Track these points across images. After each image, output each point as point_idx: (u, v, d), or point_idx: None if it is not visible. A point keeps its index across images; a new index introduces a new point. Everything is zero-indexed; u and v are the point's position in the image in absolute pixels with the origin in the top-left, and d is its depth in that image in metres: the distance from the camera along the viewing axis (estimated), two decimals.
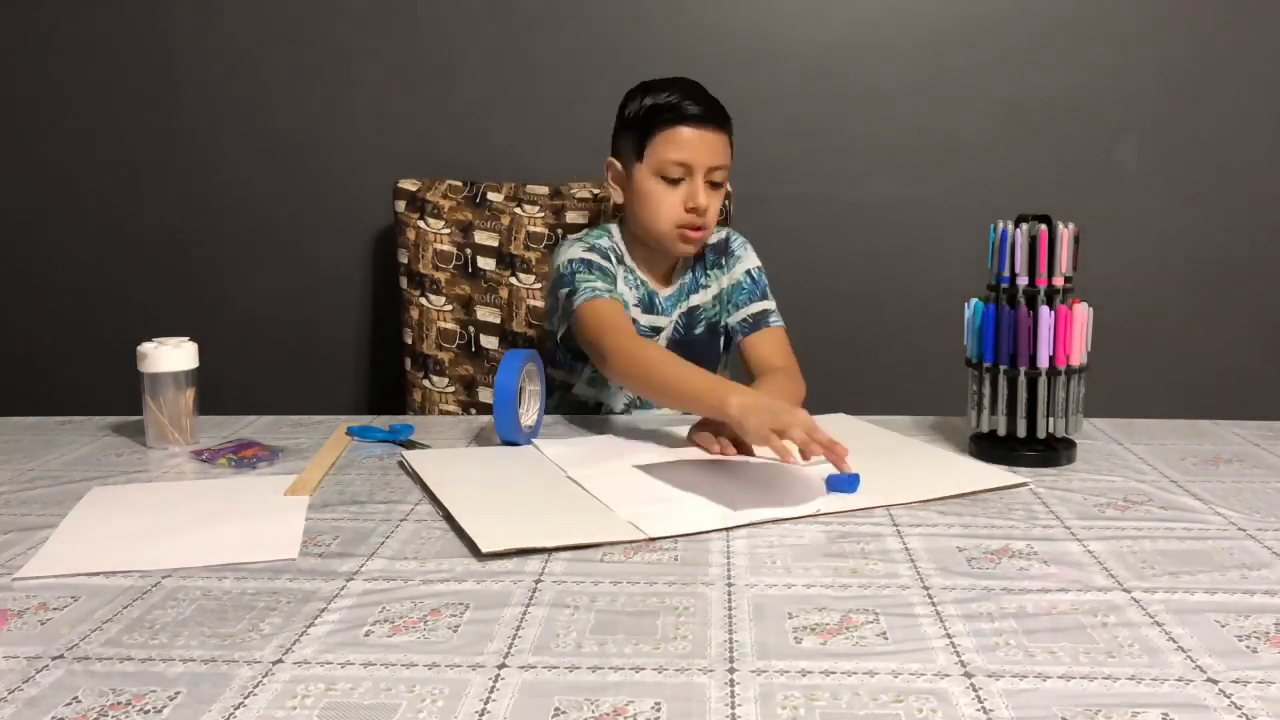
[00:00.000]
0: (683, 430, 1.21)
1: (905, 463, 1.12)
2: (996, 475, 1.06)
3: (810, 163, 1.81)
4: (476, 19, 1.79)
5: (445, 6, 1.79)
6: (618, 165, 1.39)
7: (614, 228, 1.45)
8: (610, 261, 1.38)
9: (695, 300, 1.46)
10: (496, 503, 0.98)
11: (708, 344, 1.48)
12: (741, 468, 1.10)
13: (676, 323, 1.46)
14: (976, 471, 1.08)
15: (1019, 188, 1.79)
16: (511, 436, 1.17)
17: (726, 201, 1.66)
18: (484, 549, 0.84)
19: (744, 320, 1.45)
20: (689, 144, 1.32)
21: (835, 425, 1.22)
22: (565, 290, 1.33)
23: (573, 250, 1.37)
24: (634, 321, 1.39)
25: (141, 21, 1.81)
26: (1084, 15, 1.76)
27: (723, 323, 1.48)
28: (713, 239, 1.48)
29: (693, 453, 1.15)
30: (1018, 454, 1.12)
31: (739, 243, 1.49)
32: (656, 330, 1.44)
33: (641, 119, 1.34)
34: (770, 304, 1.46)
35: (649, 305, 1.43)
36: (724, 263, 1.48)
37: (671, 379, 1.20)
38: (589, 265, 1.34)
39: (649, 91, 1.36)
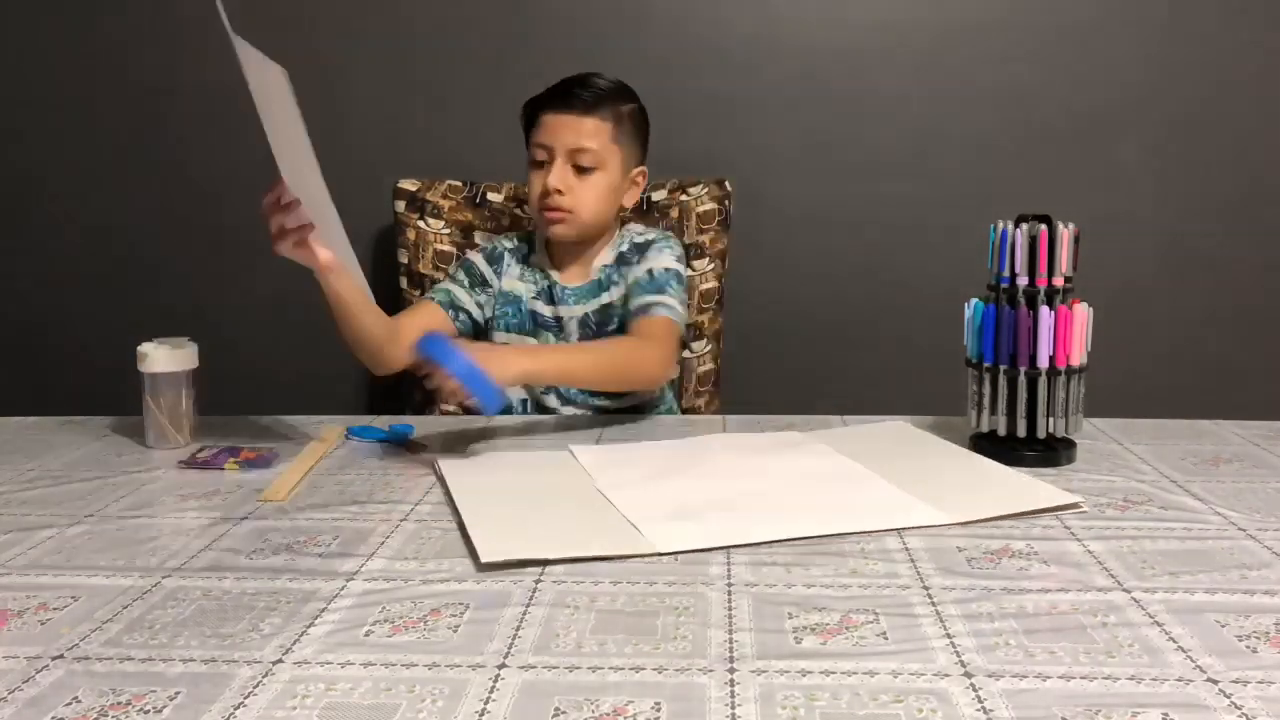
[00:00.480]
0: (727, 439, 1.22)
1: (955, 480, 1.04)
2: (1048, 494, 0.98)
3: (810, 163, 1.81)
4: (477, 19, 1.79)
5: (445, 7, 1.79)
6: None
7: (528, 234, 1.53)
8: (499, 258, 1.49)
9: (608, 298, 1.46)
10: (512, 511, 0.96)
11: None
12: (777, 479, 1.05)
13: (588, 318, 1.46)
14: (1028, 489, 1.00)
15: (1019, 188, 1.80)
16: (497, 401, 1.11)
17: (726, 202, 1.66)
18: (483, 559, 0.82)
19: (632, 312, 1.38)
20: (547, 128, 1.39)
21: (893, 434, 1.22)
22: None
23: (474, 253, 1.52)
24: (535, 313, 1.47)
25: (142, 21, 1.81)
26: (1084, 15, 1.76)
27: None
28: (640, 238, 1.48)
29: (726, 461, 1.12)
30: (1018, 454, 1.12)
31: (661, 244, 1.45)
32: (559, 320, 1.46)
33: (525, 114, 1.43)
34: (662, 297, 1.36)
35: (549, 297, 1.47)
36: (637, 261, 1.45)
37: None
38: (464, 263, 1.51)
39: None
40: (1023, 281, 1.11)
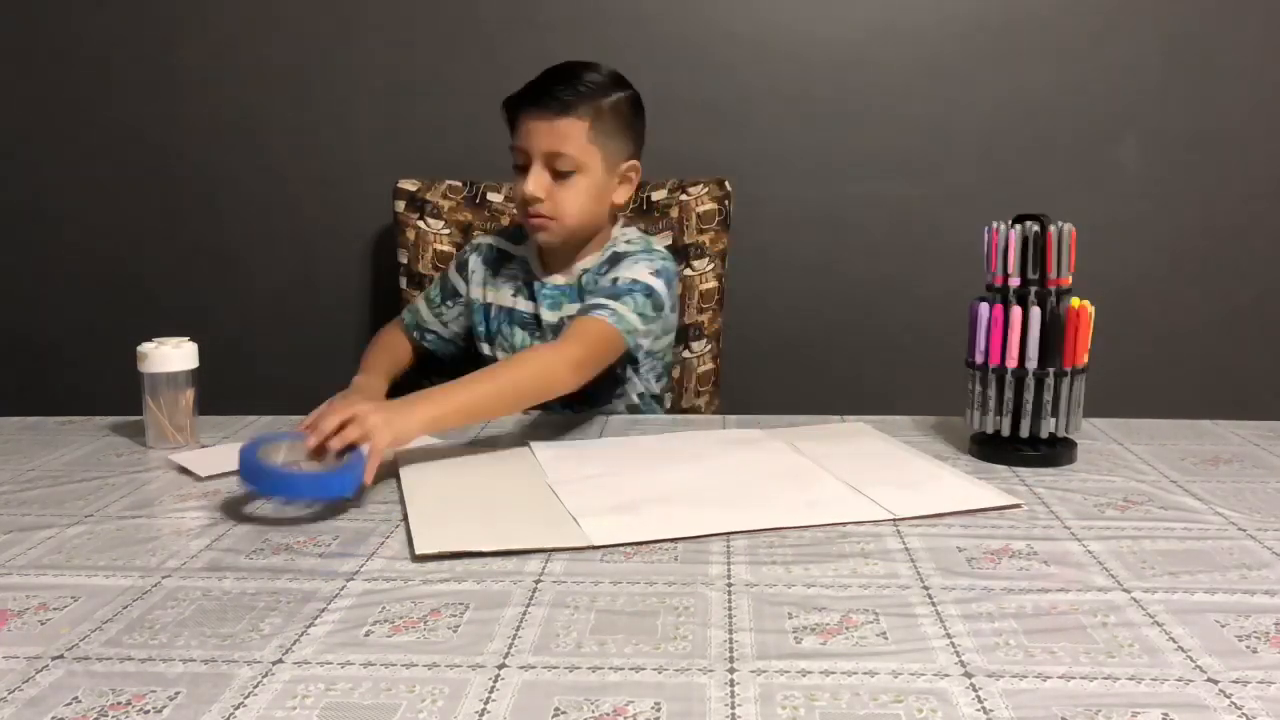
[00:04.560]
0: (689, 436, 1.21)
1: (900, 478, 1.04)
2: (990, 495, 0.99)
3: (810, 163, 1.81)
4: (477, 19, 1.79)
5: (445, 6, 1.79)
6: None
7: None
8: (467, 264, 1.48)
9: (575, 308, 1.38)
10: (456, 504, 0.97)
11: None
12: (724, 474, 1.06)
13: (564, 323, 1.38)
14: (971, 490, 1.01)
15: (1019, 188, 1.80)
16: (353, 485, 0.96)
17: (726, 202, 1.66)
18: (418, 550, 0.84)
19: (581, 309, 1.30)
20: (524, 130, 1.32)
21: (849, 433, 1.23)
22: None
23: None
24: (512, 310, 1.44)
25: (143, 21, 1.81)
26: (1084, 15, 1.76)
27: None
28: (625, 247, 1.39)
29: (678, 457, 1.13)
30: (1018, 454, 1.12)
31: (639, 255, 1.36)
32: (537, 318, 1.43)
33: (508, 115, 1.36)
34: (612, 303, 1.27)
35: (529, 293, 1.44)
36: (607, 270, 1.37)
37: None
38: (439, 280, 1.53)
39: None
40: (1020, 282, 1.11)
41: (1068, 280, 1.11)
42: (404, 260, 1.67)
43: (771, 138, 1.80)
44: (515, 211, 1.43)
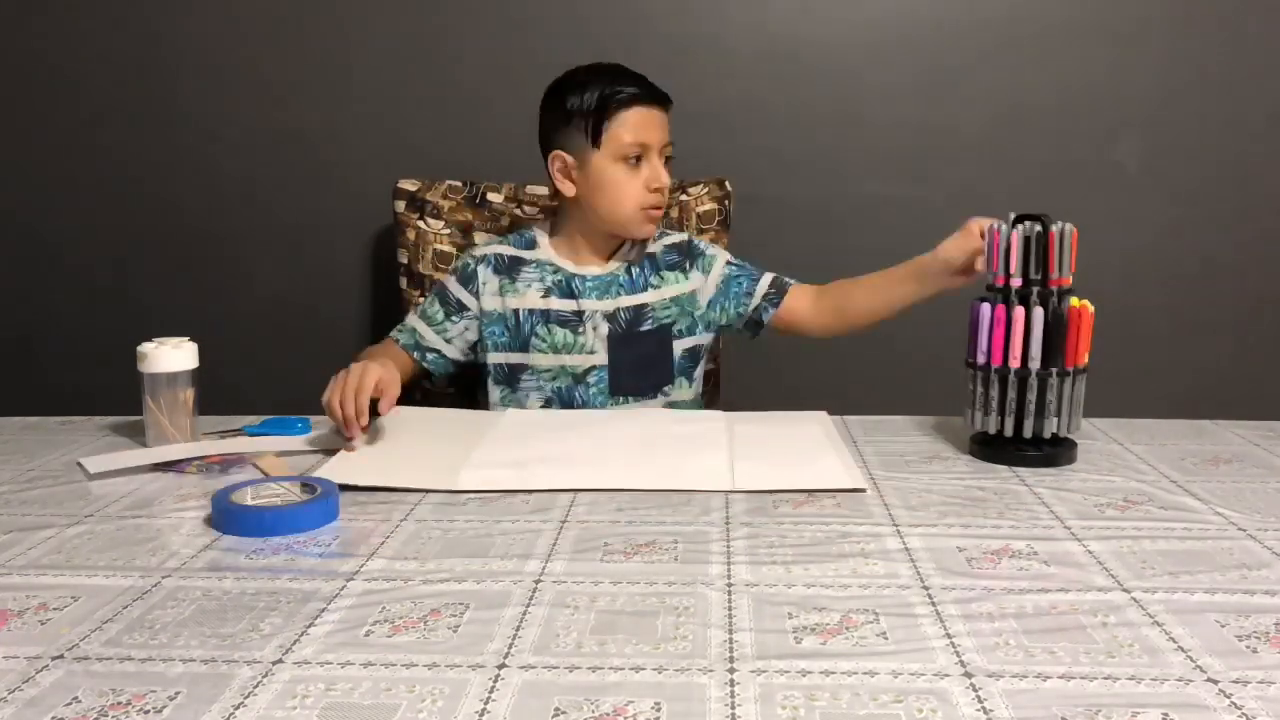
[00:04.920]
0: (654, 413, 1.33)
1: (781, 457, 1.12)
2: (838, 478, 1.04)
3: (810, 163, 1.81)
4: (476, 19, 1.79)
5: (445, 7, 1.79)
6: (567, 158, 1.39)
7: (537, 225, 1.50)
8: (473, 276, 1.45)
9: (645, 298, 1.44)
10: (390, 446, 1.14)
11: (659, 348, 1.44)
12: (626, 440, 1.18)
13: (618, 315, 1.42)
14: (824, 474, 1.05)
15: (1019, 188, 1.80)
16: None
17: (726, 202, 1.66)
18: (318, 472, 1.01)
19: (766, 297, 1.46)
20: (645, 124, 1.36)
21: (795, 420, 1.27)
22: None
23: (449, 275, 1.49)
24: (548, 311, 1.43)
25: (143, 20, 1.81)
26: (1084, 15, 1.76)
27: (692, 325, 1.45)
28: (672, 239, 1.48)
29: (613, 425, 1.25)
30: (1018, 454, 1.12)
31: (704, 244, 1.50)
32: (580, 314, 1.42)
33: (595, 106, 1.35)
34: (772, 274, 1.48)
35: (565, 290, 1.43)
36: (689, 266, 1.46)
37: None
38: (436, 291, 1.48)
39: (590, 79, 1.37)
40: (1021, 282, 1.11)
41: (1068, 280, 1.11)
42: (404, 260, 1.67)
43: (771, 138, 1.80)
44: (624, 209, 1.38)
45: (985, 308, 1.13)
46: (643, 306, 1.44)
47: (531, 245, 1.47)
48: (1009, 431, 1.13)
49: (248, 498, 0.94)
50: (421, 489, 1.01)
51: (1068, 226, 1.10)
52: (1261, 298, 1.83)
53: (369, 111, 1.82)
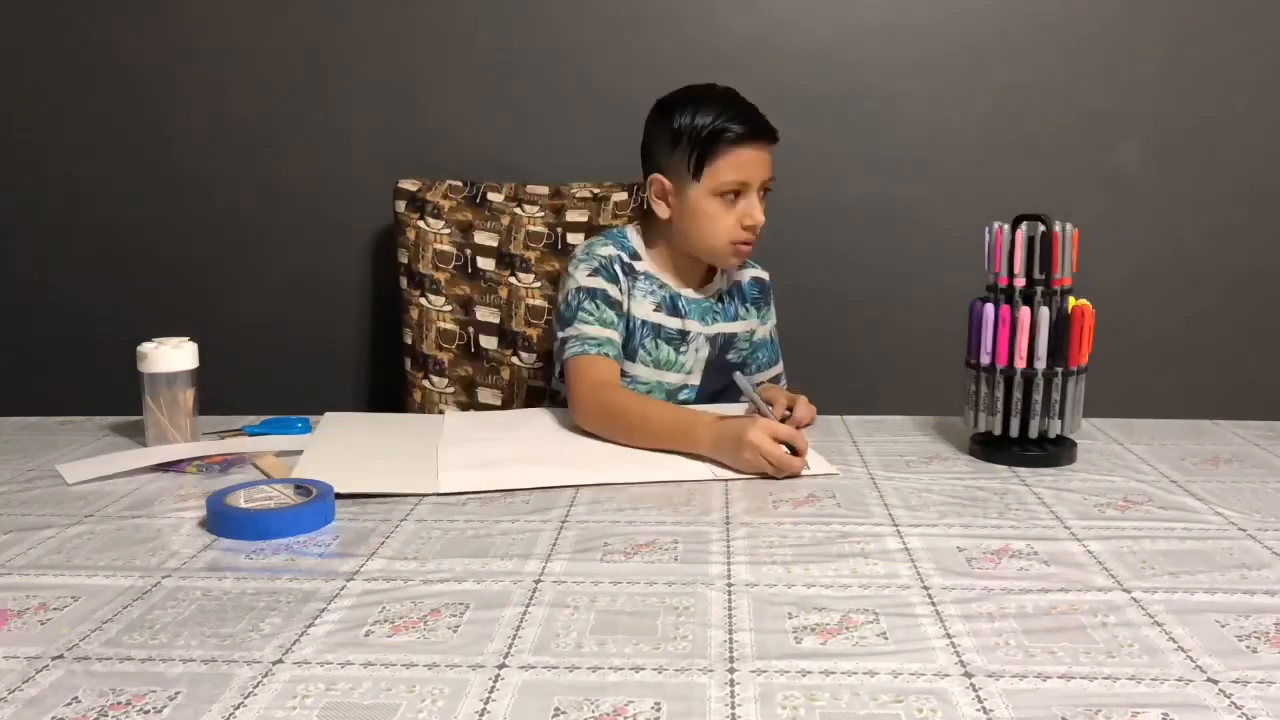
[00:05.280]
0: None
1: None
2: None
3: (810, 163, 1.81)
4: (476, 19, 1.79)
5: (445, 6, 1.79)
6: (665, 182, 1.36)
7: (629, 231, 1.44)
8: (616, 274, 1.37)
9: (732, 328, 1.45)
10: (349, 452, 1.15)
11: (733, 376, 1.44)
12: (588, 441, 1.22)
13: (716, 340, 1.43)
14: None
15: (1019, 188, 1.79)
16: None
17: None
18: (294, 472, 1.04)
19: (760, 382, 1.47)
20: (749, 164, 1.32)
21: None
22: (564, 328, 1.35)
23: (578, 274, 1.37)
24: (658, 326, 1.39)
25: (141, 22, 1.81)
26: (1084, 15, 1.76)
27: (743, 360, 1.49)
28: (756, 273, 1.51)
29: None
30: (1018, 454, 1.12)
31: (770, 289, 1.53)
32: (684, 334, 1.41)
33: (701, 139, 1.31)
34: (780, 367, 1.53)
35: (672, 308, 1.41)
36: (761, 308, 1.50)
37: (639, 420, 1.20)
38: (592, 295, 1.34)
39: (700, 108, 1.32)
40: (1022, 282, 1.11)
41: (1068, 280, 1.11)
42: (404, 260, 1.67)
43: None
44: (714, 242, 1.35)
45: (988, 308, 1.13)
46: (733, 336, 1.45)
47: (635, 255, 1.42)
48: (1011, 431, 1.13)
49: (241, 500, 0.94)
50: (409, 493, 1.01)
51: (1069, 226, 1.10)
52: (1262, 297, 1.83)
53: (369, 111, 1.82)
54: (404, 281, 1.68)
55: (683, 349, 1.41)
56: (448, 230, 1.67)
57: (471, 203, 1.69)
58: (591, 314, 1.34)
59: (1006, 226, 1.12)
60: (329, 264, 1.87)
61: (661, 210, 1.38)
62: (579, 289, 1.35)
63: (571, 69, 1.80)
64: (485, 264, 1.68)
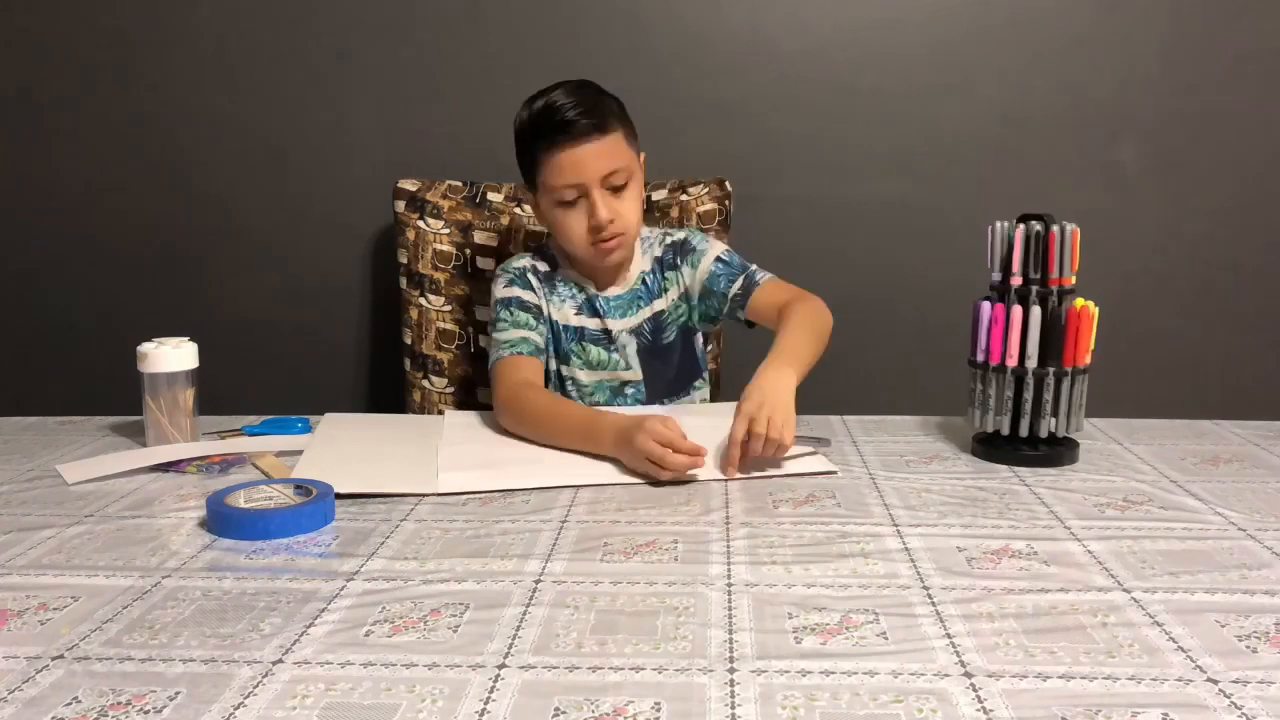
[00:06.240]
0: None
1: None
2: (808, 464, 1.11)
3: (810, 163, 1.81)
4: (476, 19, 1.79)
5: (445, 6, 1.79)
6: (530, 196, 1.38)
7: (549, 242, 1.46)
8: (533, 285, 1.40)
9: (660, 305, 1.44)
10: (346, 454, 1.15)
11: (683, 349, 1.46)
12: None
13: (642, 329, 1.43)
14: (796, 462, 1.12)
15: (1019, 188, 1.79)
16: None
17: (726, 202, 1.66)
18: (296, 472, 1.04)
19: (735, 297, 1.38)
20: (571, 165, 1.28)
21: (720, 410, 1.25)
22: (492, 335, 1.37)
23: (496, 289, 1.41)
24: (581, 329, 1.41)
25: (140, 22, 1.81)
26: (1084, 15, 1.76)
27: (695, 320, 1.46)
28: (673, 237, 1.46)
29: None
30: (1018, 454, 1.12)
31: (699, 238, 1.45)
32: (609, 333, 1.42)
33: (523, 151, 1.31)
34: (751, 267, 1.40)
35: (591, 310, 1.42)
36: (681, 261, 1.44)
37: (548, 421, 1.20)
38: (507, 304, 1.37)
39: (523, 116, 1.31)
40: (1021, 281, 1.11)
41: (1070, 280, 1.11)
42: (404, 260, 1.67)
43: (771, 138, 1.80)
44: (574, 248, 1.34)
45: (986, 306, 1.13)
46: (660, 314, 1.44)
47: (555, 264, 1.44)
48: (1010, 431, 1.13)
49: (241, 500, 0.94)
50: (409, 493, 1.01)
51: (1069, 226, 1.10)
52: (1262, 297, 1.83)
53: (369, 112, 1.82)
54: (404, 281, 1.68)
55: (611, 348, 1.42)
56: (448, 230, 1.67)
57: (471, 203, 1.69)
58: (507, 320, 1.36)
59: (1010, 225, 1.12)
60: (329, 264, 1.87)
61: (540, 220, 1.40)
62: (496, 302, 1.39)
63: (572, 69, 1.79)
64: (485, 264, 1.68)
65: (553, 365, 1.43)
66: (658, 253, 1.46)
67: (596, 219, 1.29)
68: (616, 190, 1.31)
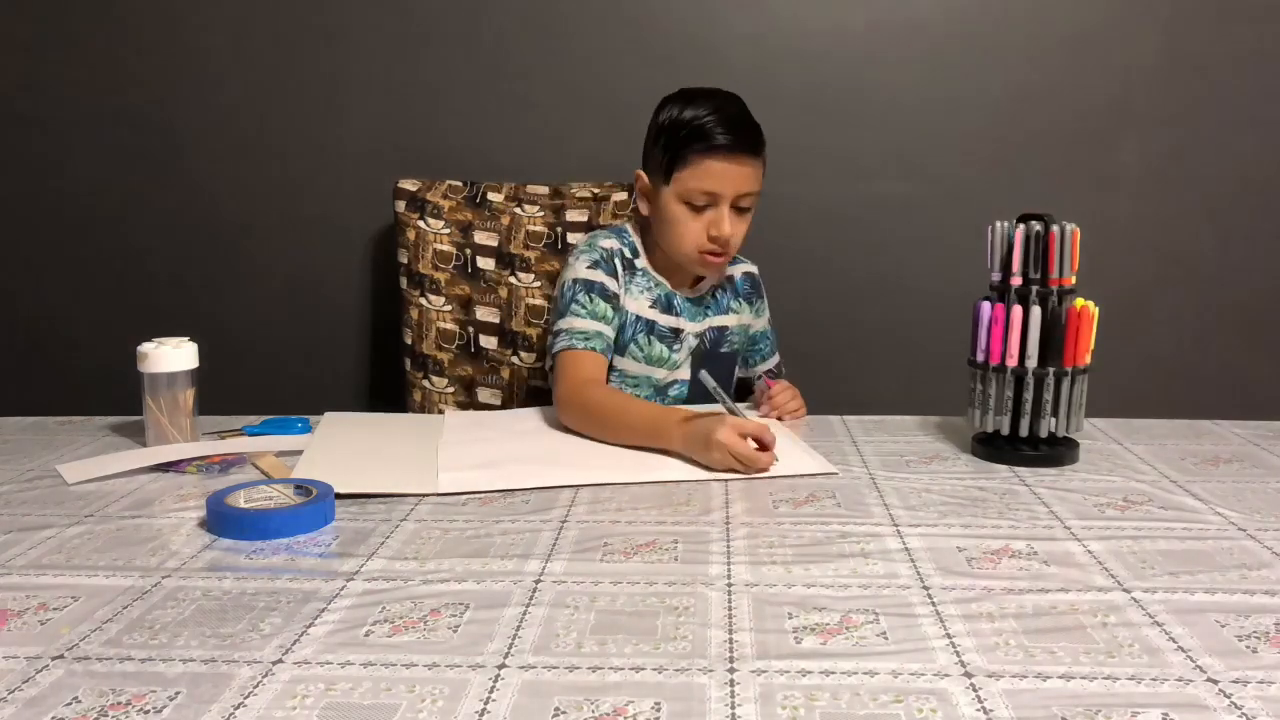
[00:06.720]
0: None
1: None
2: (814, 464, 1.11)
3: (810, 163, 1.81)
4: (476, 19, 1.79)
5: (445, 7, 1.79)
6: (645, 179, 1.36)
7: (629, 228, 1.44)
8: (615, 269, 1.37)
9: (724, 321, 1.46)
10: (347, 453, 1.15)
11: (727, 369, 1.49)
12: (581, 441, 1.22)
13: (704, 336, 1.44)
14: (797, 462, 1.12)
15: (1019, 188, 1.79)
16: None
17: None
18: (295, 472, 1.03)
19: (760, 374, 1.54)
20: (717, 175, 1.29)
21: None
22: (557, 320, 1.35)
23: (579, 265, 1.37)
24: (652, 323, 1.39)
25: (141, 22, 1.81)
26: (1085, 16, 1.76)
27: (740, 354, 1.52)
28: (747, 267, 1.51)
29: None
30: (1018, 454, 1.12)
31: (760, 283, 1.53)
32: (678, 332, 1.41)
33: (672, 143, 1.30)
34: (778, 357, 1.57)
35: (667, 306, 1.41)
36: (754, 301, 1.51)
37: (616, 419, 1.21)
38: (588, 287, 1.34)
39: (685, 109, 1.30)
40: (1021, 281, 1.11)
41: (1070, 280, 1.11)
42: (404, 260, 1.67)
43: (772, 137, 1.80)
44: (681, 248, 1.33)
45: (986, 306, 1.13)
46: (724, 329, 1.46)
47: (635, 251, 1.41)
48: (1010, 431, 1.13)
49: (241, 500, 0.94)
50: (409, 493, 1.01)
51: (1069, 226, 1.10)
52: (1262, 297, 1.83)
53: (369, 111, 1.82)
54: (404, 281, 1.68)
55: (675, 346, 1.41)
56: (447, 230, 1.67)
57: (471, 203, 1.69)
58: (584, 306, 1.34)
59: (1010, 225, 1.12)
60: (329, 264, 1.87)
61: (643, 206, 1.39)
62: (576, 280, 1.35)
63: (572, 69, 1.80)
64: (485, 264, 1.68)
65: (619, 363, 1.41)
66: (730, 273, 1.48)
67: (720, 232, 1.31)
68: (741, 212, 1.33)
